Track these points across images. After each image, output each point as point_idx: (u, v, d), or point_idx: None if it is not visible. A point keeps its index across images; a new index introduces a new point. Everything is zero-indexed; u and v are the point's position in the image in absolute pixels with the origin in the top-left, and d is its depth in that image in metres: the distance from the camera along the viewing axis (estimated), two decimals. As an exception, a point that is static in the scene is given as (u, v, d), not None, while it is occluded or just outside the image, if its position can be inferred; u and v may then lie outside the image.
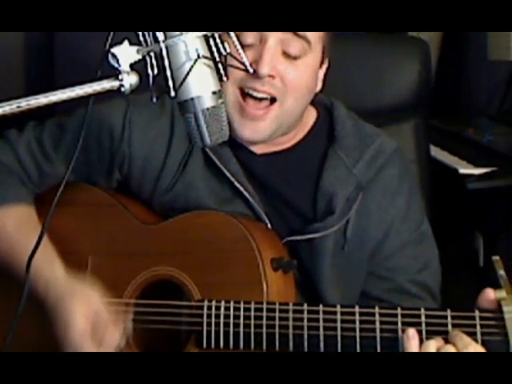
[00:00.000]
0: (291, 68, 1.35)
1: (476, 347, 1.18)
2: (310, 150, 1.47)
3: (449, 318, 1.21)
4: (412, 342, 1.20)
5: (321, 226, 1.40)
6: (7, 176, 1.46)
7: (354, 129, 1.48)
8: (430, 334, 1.21)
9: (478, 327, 1.20)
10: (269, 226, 1.42)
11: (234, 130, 1.37)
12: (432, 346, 1.19)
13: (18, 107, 0.96)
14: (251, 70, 1.10)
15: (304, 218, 1.43)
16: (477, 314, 1.21)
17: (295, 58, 1.34)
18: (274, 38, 1.32)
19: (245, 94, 1.36)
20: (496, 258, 1.23)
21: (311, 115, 1.50)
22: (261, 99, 1.36)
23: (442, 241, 1.51)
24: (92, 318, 1.31)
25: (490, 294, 1.20)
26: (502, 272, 1.21)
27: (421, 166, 1.58)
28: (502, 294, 1.20)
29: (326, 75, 1.46)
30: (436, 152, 2.39)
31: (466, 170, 2.27)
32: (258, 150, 1.45)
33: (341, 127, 1.47)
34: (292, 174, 1.46)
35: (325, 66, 1.45)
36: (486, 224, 2.38)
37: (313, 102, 1.48)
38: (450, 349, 1.18)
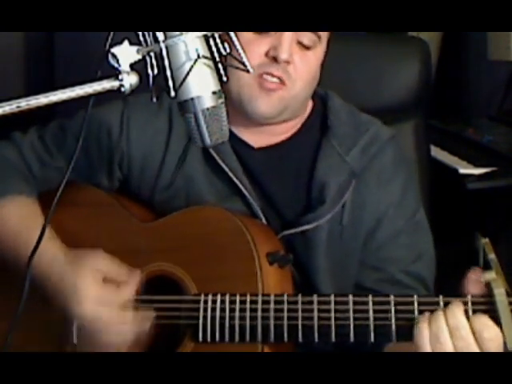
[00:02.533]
0: (304, 57, 1.39)
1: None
2: (304, 142, 1.48)
3: (441, 304, 1.22)
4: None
5: (314, 217, 1.40)
6: (11, 170, 1.48)
7: (349, 117, 1.49)
8: None
9: (471, 311, 1.20)
10: (264, 223, 1.42)
11: (250, 105, 1.39)
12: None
13: (18, 107, 0.96)
14: (251, 71, 1.10)
15: (299, 210, 1.43)
16: (469, 298, 1.21)
17: (308, 48, 1.38)
18: None
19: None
20: (485, 240, 1.21)
21: (308, 106, 1.51)
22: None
23: (442, 241, 1.50)
24: (101, 281, 1.30)
25: (475, 273, 1.20)
26: (492, 255, 1.20)
27: (421, 166, 1.58)
28: (492, 275, 1.18)
29: (322, 66, 1.47)
30: (436, 152, 2.38)
31: (465, 170, 2.27)
32: (255, 143, 1.46)
33: (334, 116, 1.48)
34: (287, 167, 1.46)
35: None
36: (486, 224, 2.38)
37: None
38: (440, 316, 1.17)
